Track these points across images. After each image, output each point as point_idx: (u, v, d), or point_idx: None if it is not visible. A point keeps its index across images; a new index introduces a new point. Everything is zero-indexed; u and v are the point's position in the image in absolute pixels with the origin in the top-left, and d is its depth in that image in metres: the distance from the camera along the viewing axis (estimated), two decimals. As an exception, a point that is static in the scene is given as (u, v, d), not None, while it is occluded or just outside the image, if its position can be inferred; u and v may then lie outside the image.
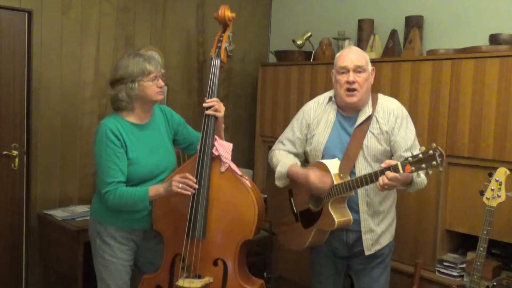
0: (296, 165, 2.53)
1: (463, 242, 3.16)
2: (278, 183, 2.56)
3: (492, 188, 2.46)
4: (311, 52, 4.05)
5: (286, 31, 4.53)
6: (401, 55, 3.47)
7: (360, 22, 3.79)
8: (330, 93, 2.58)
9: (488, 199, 2.47)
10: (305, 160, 2.66)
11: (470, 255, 3.01)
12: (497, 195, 2.45)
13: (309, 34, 4.05)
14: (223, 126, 2.52)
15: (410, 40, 3.40)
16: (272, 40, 4.73)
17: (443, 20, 3.52)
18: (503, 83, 2.83)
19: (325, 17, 4.25)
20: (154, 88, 2.42)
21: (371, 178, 2.24)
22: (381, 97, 2.51)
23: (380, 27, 3.79)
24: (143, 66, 2.39)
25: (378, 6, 3.88)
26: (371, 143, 2.41)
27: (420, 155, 2.09)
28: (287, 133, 2.66)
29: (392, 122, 2.42)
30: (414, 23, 3.49)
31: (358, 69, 2.39)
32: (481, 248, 2.47)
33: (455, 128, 3.02)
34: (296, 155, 2.62)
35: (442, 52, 3.18)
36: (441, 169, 2.11)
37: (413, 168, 2.11)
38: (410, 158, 2.12)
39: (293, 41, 4.07)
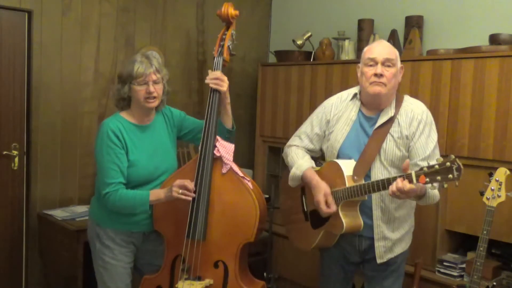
0: (312, 170, 2.42)
1: (463, 242, 3.16)
2: (291, 183, 2.49)
3: (492, 188, 2.46)
4: (311, 52, 4.05)
5: (286, 31, 4.52)
6: (401, 55, 3.46)
7: (360, 22, 3.79)
8: (355, 90, 2.44)
9: (488, 199, 2.47)
10: (321, 157, 2.58)
11: (470, 255, 3.01)
12: (497, 195, 2.45)
13: (309, 34, 4.05)
14: (228, 101, 2.46)
15: (410, 40, 3.40)
16: (272, 40, 4.73)
17: (443, 20, 3.51)
18: (503, 83, 2.83)
19: (325, 17, 4.25)
20: (142, 93, 2.34)
21: (384, 184, 2.12)
22: (407, 99, 2.37)
23: (380, 27, 3.79)
24: (130, 68, 2.33)
25: (378, 6, 3.88)
26: (390, 147, 2.29)
27: (436, 166, 1.96)
28: (306, 128, 2.54)
29: (414, 127, 2.28)
30: (414, 23, 3.49)
31: (387, 63, 2.25)
32: (481, 248, 2.46)
33: (455, 128, 3.02)
34: (312, 151, 2.53)
35: (442, 52, 3.18)
36: (457, 183, 1.95)
37: (427, 179, 1.98)
38: (425, 168, 1.99)
39: (293, 41, 4.07)
